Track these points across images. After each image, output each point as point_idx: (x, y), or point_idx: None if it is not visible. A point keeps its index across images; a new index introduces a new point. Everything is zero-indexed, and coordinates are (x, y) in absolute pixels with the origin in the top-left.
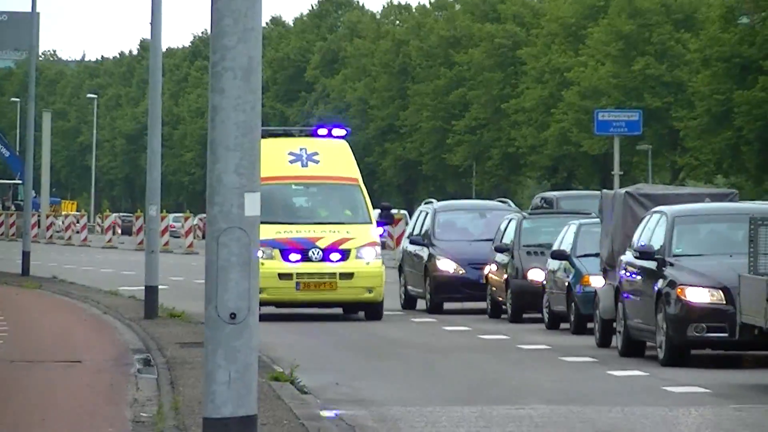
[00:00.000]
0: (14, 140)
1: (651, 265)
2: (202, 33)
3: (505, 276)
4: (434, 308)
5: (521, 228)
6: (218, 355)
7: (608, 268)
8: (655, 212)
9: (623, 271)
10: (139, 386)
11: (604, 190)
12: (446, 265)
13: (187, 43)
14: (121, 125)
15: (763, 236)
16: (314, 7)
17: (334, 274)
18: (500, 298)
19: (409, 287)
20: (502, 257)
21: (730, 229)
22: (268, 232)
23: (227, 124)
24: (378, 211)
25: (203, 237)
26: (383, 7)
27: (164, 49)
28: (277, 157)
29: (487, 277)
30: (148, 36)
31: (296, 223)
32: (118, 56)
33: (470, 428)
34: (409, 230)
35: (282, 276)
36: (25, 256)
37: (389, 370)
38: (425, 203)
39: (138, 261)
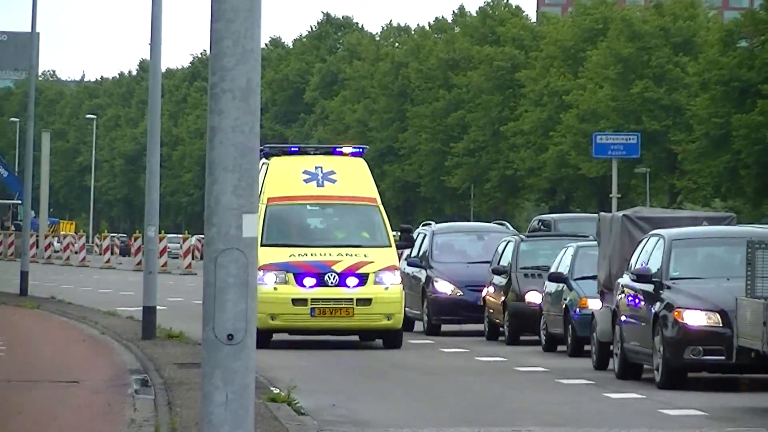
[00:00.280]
0: (13, 160)
1: (648, 287)
2: (201, 54)
3: (503, 298)
4: (432, 330)
5: (519, 250)
6: (215, 376)
7: (605, 290)
8: (653, 235)
9: (620, 294)
10: (137, 407)
11: (602, 213)
12: (444, 287)
13: (187, 64)
14: (120, 146)
15: (761, 259)
16: (314, 29)
17: (351, 299)
18: (498, 320)
19: (407, 309)
20: (499, 279)
21: (728, 253)
22: (281, 255)
23: (226, 145)
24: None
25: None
26: (382, 29)
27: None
28: (291, 175)
29: (484, 299)
30: (147, 56)
31: (311, 245)
32: (118, 77)
33: None
34: (407, 252)
35: (296, 301)
36: (24, 275)
37: (386, 392)
38: (423, 225)
39: (136, 281)
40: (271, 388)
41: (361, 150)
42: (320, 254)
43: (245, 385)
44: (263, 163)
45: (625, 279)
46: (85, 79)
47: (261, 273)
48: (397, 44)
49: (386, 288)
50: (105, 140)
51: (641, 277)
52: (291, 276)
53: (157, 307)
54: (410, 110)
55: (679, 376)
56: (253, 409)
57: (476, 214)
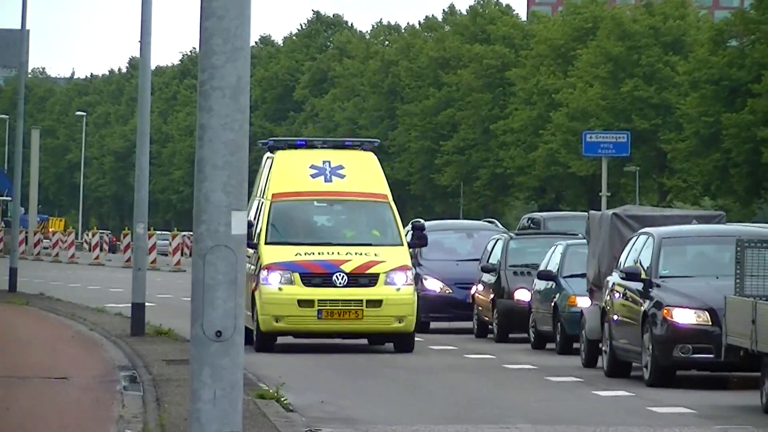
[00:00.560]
0: (3, 157)
1: (637, 286)
2: (191, 51)
3: (492, 296)
4: (421, 327)
5: (508, 248)
6: (204, 373)
7: (595, 288)
8: (642, 233)
9: (610, 292)
10: (125, 403)
11: (592, 212)
12: (433, 285)
13: (177, 62)
14: (109, 143)
15: (750, 258)
16: (304, 27)
17: (361, 301)
18: (486, 318)
19: None
20: (488, 277)
21: (717, 251)
22: (287, 253)
23: (215, 142)
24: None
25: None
26: (372, 27)
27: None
28: (297, 170)
29: (473, 296)
30: (137, 54)
31: (319, 244)
32: (108, 74)
33: None
34: None
35: (302, 303)
36: (13, 272)
37: (375, 389)
38: (413, 223)
39: (125, 278)
40: (260, 385)
41: (372, 143)
42: (328, 253)
43: (234, 382)
44: (268, 157)
45: (615, 277)
46: (75, 77)
47: (265, 273)
48: (387, 42)
49: (398, 289)
50: (95, 137)
51: (630, 275)
52: (297, 276)
53: (146, 304)
54: (400, 108)
55: (668, 374)
56: (241, 406)
57: (466, 212)
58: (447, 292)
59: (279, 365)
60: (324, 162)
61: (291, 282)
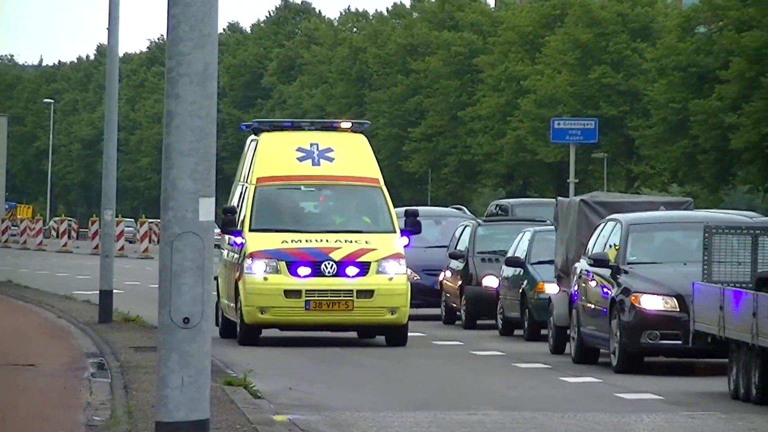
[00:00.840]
0: None
1: (605, 272)
2: (159, 39)
3: (460, 282)
4: None
5: (476, 235)
6: (171, 359)
7: (563, 275)
8: (610, 220)
9: (578, 279)
10: (93, 390)
11: (559, 198)
12: None
13: (145, 49)
14: (77, 130)
15: (718, 244)
16: (272, 14)
17: (351, 291)
18: (455, 305)
19: None
20: (456, 264)
21: (685, 238)
22: (272, 241)
23: (182, 129)
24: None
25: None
26: (341, 14)
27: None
28: (283, 153)
29: (441, 283)
30: (105, 41)
31: (306, 231)
32: (76, 61)
33: None
34: None
35: (289, 293)
36: None
37: (343, 376)
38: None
39: (93, 265)
40: (228, 372)
41: (362, 125)
42: (316, 241)
43: (201, 369)
44: (252, 140)
45: (583, 263)
46: (43, 64)
47: (250, 261)
48: (355, 30)
49: (390, 278)
50: (62, 125)
51: (598, 261)
52: (283, 265)
53: (114, 291)
54: (368, 95)
55: (636, 361)
56: (209, 393)
57: (434, 199)
58: (415, 278)
59: (247, 352)
60: (312, 144)
61: (277, 271)
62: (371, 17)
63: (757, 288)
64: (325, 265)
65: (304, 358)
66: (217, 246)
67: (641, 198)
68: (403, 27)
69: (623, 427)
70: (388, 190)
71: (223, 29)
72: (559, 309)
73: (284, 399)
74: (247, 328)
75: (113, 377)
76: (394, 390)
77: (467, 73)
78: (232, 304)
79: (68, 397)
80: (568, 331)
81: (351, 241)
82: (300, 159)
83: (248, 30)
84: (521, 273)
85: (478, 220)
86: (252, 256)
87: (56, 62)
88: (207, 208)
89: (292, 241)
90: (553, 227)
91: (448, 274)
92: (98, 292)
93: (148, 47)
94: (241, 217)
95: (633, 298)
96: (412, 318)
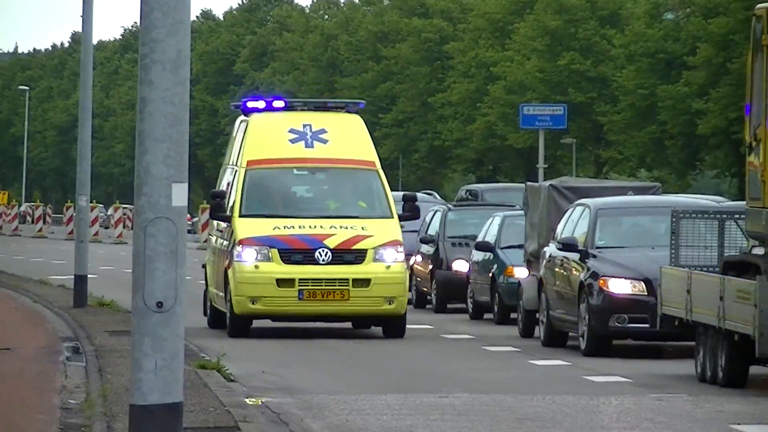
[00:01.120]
0: None
1: (574, 256)
2: (132, 26)
3: (431, 267)
4: None
5: (446, 220)
6: (145, 343)
7: (532, 259)
8: (579, 205)
9: (547, 263)
10: (68, 374)
11: (529, 183)
12: None
13: (118, 36)
14: (52, 117)
15: (685, 229)
16: (244, 2)
17: (347, 280)
18: (425, 289)
19: None
20: (427, 248)
21: (653, 222)
22: (264, 227)
23: (156, 115)
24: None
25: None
26: (312, 1)
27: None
28: (275, 135)
29: (412, 267)
30: (79, 29)
31: (299, 216)
32: (50, 49)
33: (394, 416)
34: None
35: (281, 282)
36: None
37: (315, 359)
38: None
39: (68, 251)
40: (201, 355)
41: (357, 105)
42: (310, 227)
43: (174, 352)
44: (242, 121)
45: (552, 248)
46: (18, 51)
47: (240, 249)
48: (326, 17)
49: (388, 267)
50: (37, 111)
51: (567, 246)
52: (275, 252)
53: (89, 276)
54: (339, 82)
55: (604, 344)
56: (182, 376)
57: (405, 185)
58: None
59: (220, 336)
60: (304, 125)
61: (269, 259)
62: (342, 4)
63: (723, 272)
64: (319, 252)
65: (277, 341)
66: (191, 231)
67: (609, 183)
68: (374, 14)
69: (592, 409)
70: None
71: (196, 16)
72: (529, 293)
73: (257, 382)
74: (238, 318)
75: (88, 361)
76: (366, 373)
77: (437, 60)
78: (221, 294)
79: (43, 380)
80: (538, 315)
81: (346, 228)
82: (292, 141)
83: (221, 17)
84: (491, 257)
85: (449, 205)
86: (242, 243)
87: (31, 50)
88: (180, 194)
89: (284, 228)
90: (522, 212)
91: (419, 258)
92: (73, 277)
93: (122, 35)
94: (231, 202)
95: (601, 282)
96: None
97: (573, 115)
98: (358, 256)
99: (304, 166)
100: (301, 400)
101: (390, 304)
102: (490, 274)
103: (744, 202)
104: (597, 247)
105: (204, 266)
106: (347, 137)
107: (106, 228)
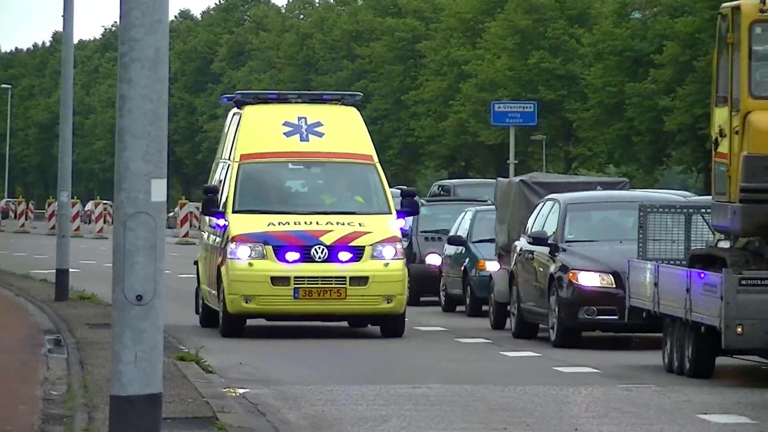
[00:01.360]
0: None
1: (544, 250)
2: (112, 26)
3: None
4: None
5: (419, 214)
6: (125, 335)
7: (503, 253)
8: (549, 200)
9: (517, 256)
10: (50, 366)
11: (500, 179)
12: None
13: (99, 36)
14: (34, 115)
15: (652, 223)
16: (221, 2)
17: (344, 278)
18: None
19: None
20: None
21: (621, 216)
22: (258, 223)
23: (135, 112)
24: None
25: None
26: (288, 1)
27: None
28: (269, 128)
29: None
30: (60, 28)
31: (294, 212)
32: (32, 48)
33: (368, 406)
34: None
35: (276, 280)
36: None
37: (291, 351)
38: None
39: (50, 245)
40: (180, 347)
41: (353, 97)
42: (305, 223)
43: (154, 345)
44: (235, 113)
45: (522, 242)
46: (0, 50)
47: (233, 245)
48: (302, 16)
49: (386, 264)
50: (19, 109)
51: (537, 240)
52: (270, 249)
53: (70, 270)
54: (315, 80)
55: (574, 335)
56: (161, 368)
57: None
58: None
59: (198, 328)
60: (299, 118)
61: (263, 256)
62: (317, 4)
63: (690, 265)
64: (315, 249)
65: (254, 334)
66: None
67: (579, 178)
68: (349, 14)
69: (561, 399)
70: None
71: (175, 16)
72: (500, 286)
73: (235, 374)
74: (231, 318)
75: (69, 353)
76: (341, 365)
77: (410, 58)
78: (214, 292)
79: (26, 372)
80: (509, 307)
81: (343, 224)
82: (287, 134)
83: (199, 17)
84: (463, 251)
85: (422, 200)
86: (236, 239)
87: (13, 49)
88: (159, 189)
89: (279, 224)
90: (493, 207)
91: None
92: (55, 271)
93: (102, 34)
94: (224, 198)
95: (571, 275)
96: None
97: (543, 113)
98: (356, 254)
99: (300, 160)
100: (278, 391)
101: (388, 302)
102: (462, 268)
103: (710, 197)
104: (566, 241)
105: (196, 263)
106: (343, 130)
107: (87, 223)
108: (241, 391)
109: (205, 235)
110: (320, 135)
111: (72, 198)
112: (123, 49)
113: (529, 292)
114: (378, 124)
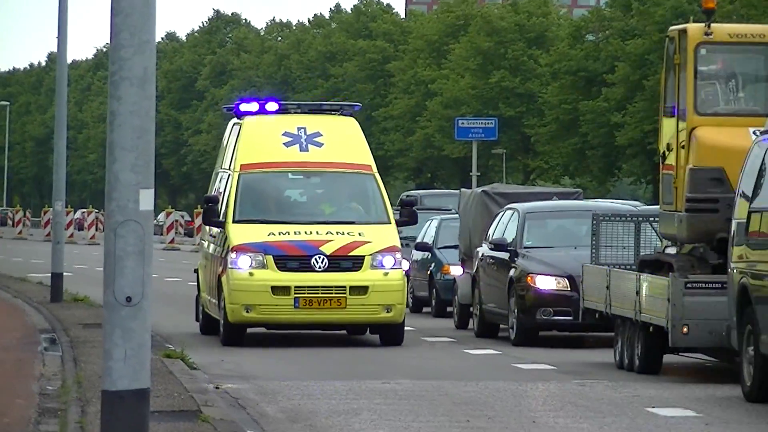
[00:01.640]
0: None
1: (504, 255)
2: (104, 46)
3: None
4: None
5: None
6: (115, 334)
7: (466, 258)
8: (509, 209)
9: (479, 261)
10: (46, 363)
11: (463, 189)
12: None
13: (91, 56)
14: (31, 129)
15: (605, 230)
16: (205, 24)
17: (344, 287)
18: None
19: None
20: None
21: (575, 224)
22: (258, 233)
23: (124, 127)
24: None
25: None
26: (267, 24)
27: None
28: (269, 138)
29: None
30: (55, 49)
31: (294, 222)
32: (29, 67)
33: (341, 400)
34: None
35: (276, 290)
36: None
37: (269, 350)
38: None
39: (45, 251)
40: (167, 345)
41: (352, 107)
42: (305, 233)
43: (142, 343)
44: (235, 123)
45: (484, 248)
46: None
47: (234, 255)
48: (279, 38)
49: (386, 273)
50: (17, 124)
51: (498, 246)
52: (270, 259)
53: (64, 274)
54: (292, 98)
55: (532, 335)
56: (149, 364)
57: None
58: None
59: (183, 328)
60: (299, 128)
61: (263, 266)
62: (294, 27)
63: (639, 269)
64: (315, 259)
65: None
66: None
67: (536, 189)
68: (323, 36)
69: (520, 394)
70: None
71: (161, 38)
72: (463, 288)
73: (217, 370)
74: (232, 327)
75: (64, 351)
76: (316, 362)
77: (380, 78)
78: (215, 301)
79: (23, 368)
80: (471, 309)
81: (343, 233)
82: (287, 144)
83: (184, 38)
84: (429, 257)
85: None
86: (236, 249)
87: (11, 68)
88: (147, 199)
89: (279, 233)
90: (457, 215)
91: None
92: (50, 274)
93: (94, 54)
94: (224, 207)
95: (529, 278)
96: None
97: (503, 128)
98: (356, 263)
99: (299, 170)
100: (257, 386)
101: (388, 312)
102: (428, 272)
103: (658, 207)
104: (525, 247)
105: (196, 271)
106: (343, 140)
107: (80, 230)
108: (224, 386)
109: (206, 243)
110: (320, 145)
111: (66, 207)
112: (113, 69)
113: (491, 294)
114: None
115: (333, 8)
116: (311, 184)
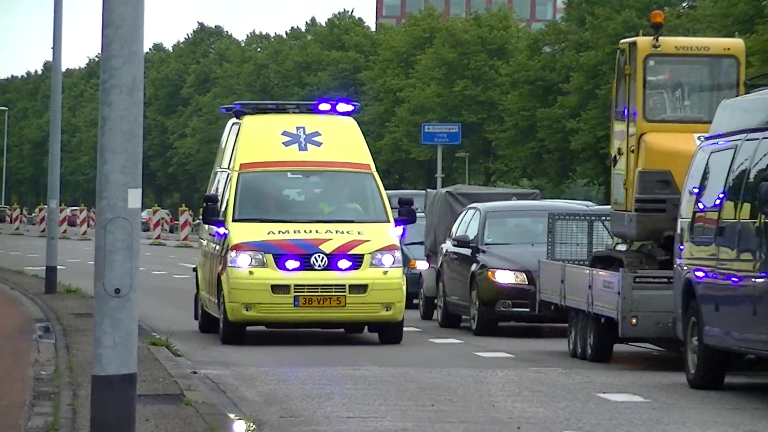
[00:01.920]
0: None
1: (467, 251)
2: (96, 56)
3: None
4: None
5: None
6: (105, 323)
7: (431, 254)
8: (471, 208)
9: (444, 257)
10: (40, 350)
11: (429, 190)
12: None
13: (84, 65)
14: (27, 133)
15: (560, 229)
16: (190, 36)
17: (343, 286)
18: None
19: None
20: None
21: (533, 223)
22: (258, 232)
23: (114, 131)
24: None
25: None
26: (247, 36)
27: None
28: (268, 137)
29: None
30: (50, 58)
31: (294, 221)
32: (26, 75)
33: (315, 385)
34: None
35: (276, 288)
36: None
37: (250, 339)
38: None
39: (40, 246)
40: (153, 334)
41: (354, 107)
42: (305, 231)
43: (130, 332)
44: (234, 123)
45: (448, 244)
46: None
47: (234, 254)
48: (259, 49)
49: (385, 272)
50: (15, 128)
51: (461, 242)
52: (270, 257)
53: (58, 267)
54: None
55: (492, 325)
56: (136, 351)
57: None
58: None
59: (168, 318)
60: (298, 128)
61: (263, 264)
62: (273, 39)
63: (592, 265)
64: (315, 257)
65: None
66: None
67: (496, 190)
68: (299, 47)
69: (481, 380)
70: None
71: (149, 48)
72: (428, 282)
73: (200, 357)
74: (231, 325)
75: (57, 339)
76: (292, 350)
77: (352, 86)
78: (214, 299)
79: (19, 355)
80: (436, 301)
81: (342, 232)
82: (286, 144)
83: (170, 49)
84: None
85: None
86: (236, 248)
87: (9, 76)
88: (134, 198)
89: (279, 232)
90: (423, 214)
91: None
92: (45, 267)
93: (87, 63)
94: (224, 206)
95: (489, 273)
96: None
97: (466, 133)
98: (355, 262)
99: (298, 169)
100: (236, 372)
101: (387, 310)
102: None
103: (609, 207)
104: (486, 244)
105: (195, 269)
106: (341, 140)
107: (73, 226)
108: (205, 371)
109: (205, 242)
110: (318, 144)
111: (60, 205)
112: (104, 77)
113: (454, 287)
114: None
115: (309, 21)
116: (310, 183)
